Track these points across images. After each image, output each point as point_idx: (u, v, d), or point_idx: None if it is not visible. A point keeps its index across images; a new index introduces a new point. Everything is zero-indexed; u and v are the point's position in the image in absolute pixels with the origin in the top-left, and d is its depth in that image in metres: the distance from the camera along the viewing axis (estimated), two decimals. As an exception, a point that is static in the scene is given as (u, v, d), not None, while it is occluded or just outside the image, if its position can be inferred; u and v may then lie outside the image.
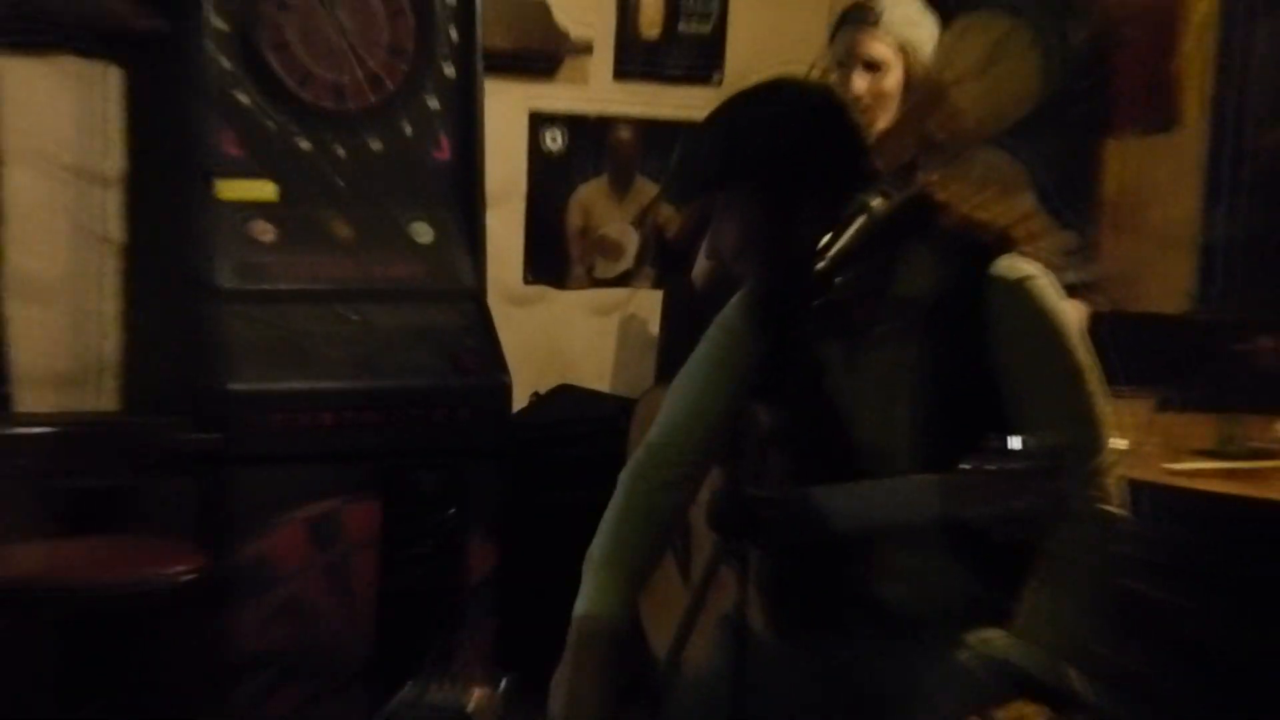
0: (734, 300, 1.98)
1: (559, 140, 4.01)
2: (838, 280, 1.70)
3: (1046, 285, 1.78)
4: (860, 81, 2.60)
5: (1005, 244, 1.79)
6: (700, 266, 2.62)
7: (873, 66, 2.62)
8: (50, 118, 3.31)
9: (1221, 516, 2.42)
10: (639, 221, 4.20)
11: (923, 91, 2.72)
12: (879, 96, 2.62)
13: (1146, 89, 3.64)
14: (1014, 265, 1.77)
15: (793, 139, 1.83)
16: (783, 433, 2.02)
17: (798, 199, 1.80)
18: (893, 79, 2.62)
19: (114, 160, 3.37)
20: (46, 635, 3.01)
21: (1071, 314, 1.86)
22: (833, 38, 2.72)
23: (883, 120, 2.61)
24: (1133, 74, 3.70)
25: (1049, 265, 1.82)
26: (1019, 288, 1.78)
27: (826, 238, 1.66)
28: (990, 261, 1.77)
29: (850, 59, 2.62)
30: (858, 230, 1.68)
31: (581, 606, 1.83)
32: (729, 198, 1.86)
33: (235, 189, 3.10)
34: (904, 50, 2.62)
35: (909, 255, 1.82)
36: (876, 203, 1.70)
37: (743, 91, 1.90)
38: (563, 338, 4.08)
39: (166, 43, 3.22)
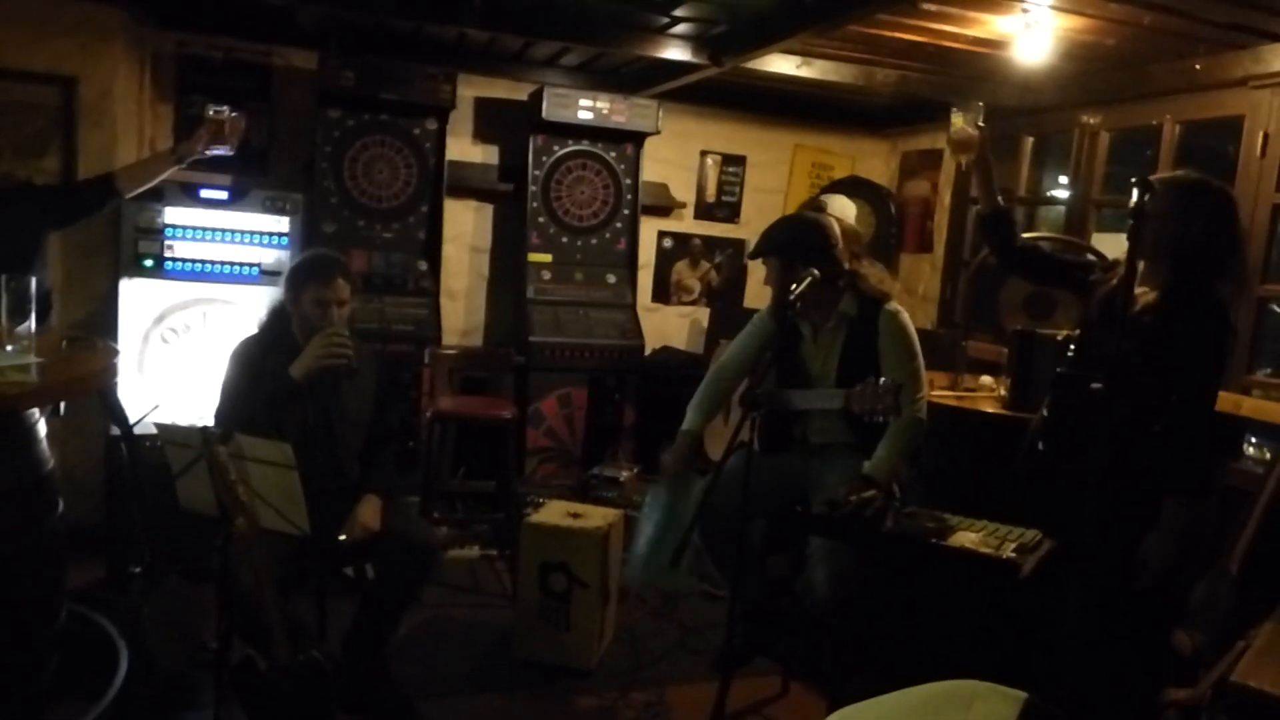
0: (766, 307, 2.85)
1: (669, 243, 5.54)
2: (799, 304, 2.44)
3: (905, 316, 2.69)
4: None
5: (887, 298, 2.72)
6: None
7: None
8: (465, 223, 5.00)
9: (951, 413, 3.51)
10: (701, 279, 5.65)
11: (850, 235, 3.32)
12: None
13: (919, 232, 5.40)
14: (893, 305, 2.68)
15: (796, 237, 2.69)
16: (777, 366, 2.74)
17: (793, 263, 2.64)
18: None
19: (487, 241, 5.07)
20: (451, 437, 4.36)
21: (912, 328, 2.73)
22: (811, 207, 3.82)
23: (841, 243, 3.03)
24: (913, 226, 5.42)
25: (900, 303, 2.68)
26: (894, 316, 2.67)
27: (795, 284, 2.48)
28: (883, 303, 2.66)
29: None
30: (809, 282, 2.48)
31: (684, 426, 2.84)
32: (772, 260, 2.72)
33: (535, 257, 4.85)
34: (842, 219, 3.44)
35: (847, 295, 2.71)
36: (815, 272, 2.51)
37: (785, 217, 3.01)
38: (665, 325, 5.51)
39: (511, 194, 4.99)
